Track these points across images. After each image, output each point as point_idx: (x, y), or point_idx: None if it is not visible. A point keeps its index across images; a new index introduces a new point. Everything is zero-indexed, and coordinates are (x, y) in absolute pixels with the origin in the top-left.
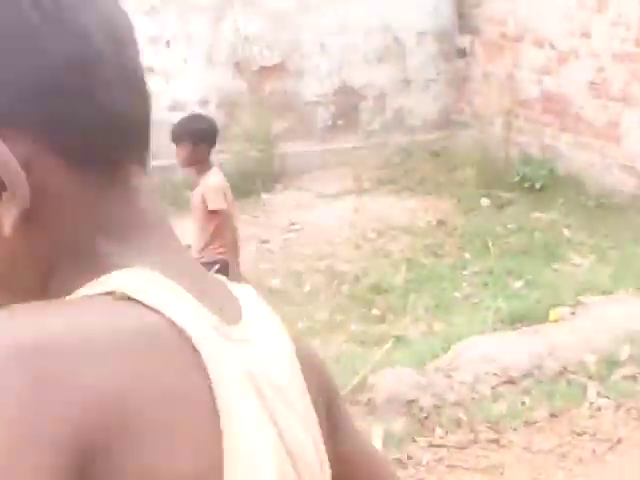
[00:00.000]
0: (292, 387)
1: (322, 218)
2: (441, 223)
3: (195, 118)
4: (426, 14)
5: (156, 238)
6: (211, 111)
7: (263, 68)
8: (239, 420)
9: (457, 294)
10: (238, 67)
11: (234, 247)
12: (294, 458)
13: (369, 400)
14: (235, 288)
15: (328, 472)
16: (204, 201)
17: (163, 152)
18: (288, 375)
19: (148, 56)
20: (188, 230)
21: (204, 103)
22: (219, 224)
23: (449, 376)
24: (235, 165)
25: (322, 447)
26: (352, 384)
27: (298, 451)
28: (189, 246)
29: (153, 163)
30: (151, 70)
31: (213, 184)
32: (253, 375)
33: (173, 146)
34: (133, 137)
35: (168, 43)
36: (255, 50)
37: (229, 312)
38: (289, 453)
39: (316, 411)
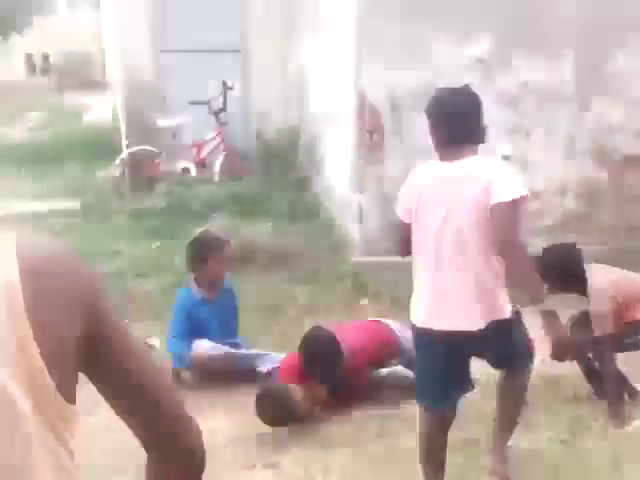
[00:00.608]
0: None
1: None
2: None
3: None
4: None
5: None
6: (569, 201)
7: (627, 157)
8: None
9: None
10: (600, 156)
11: None
12: None
13: None
14: None
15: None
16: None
17: None
18: None
19: (507, 146)
20: None
21: (562, 193)
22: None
23: None
24: (597, 255)
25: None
26: None
27: None
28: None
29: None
30: (508, 159)
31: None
32: None
33: None
34: None
35: (527, 133)
36: (619, 139)
37: None
38: None
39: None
